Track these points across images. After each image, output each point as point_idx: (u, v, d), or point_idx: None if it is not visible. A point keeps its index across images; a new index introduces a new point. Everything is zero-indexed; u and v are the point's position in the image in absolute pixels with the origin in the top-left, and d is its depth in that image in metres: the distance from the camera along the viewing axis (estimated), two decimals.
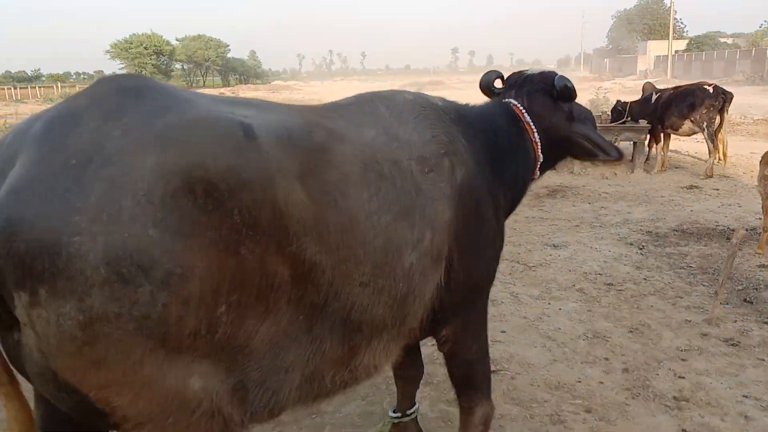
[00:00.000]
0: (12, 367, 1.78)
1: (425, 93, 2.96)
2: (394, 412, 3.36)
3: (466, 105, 3.09)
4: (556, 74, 3.13)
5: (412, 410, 3.35)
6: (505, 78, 3.33)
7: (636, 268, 6.71)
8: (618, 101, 14.39)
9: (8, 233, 1.52)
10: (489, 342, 4.59)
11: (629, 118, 13.24)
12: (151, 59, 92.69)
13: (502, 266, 6.70)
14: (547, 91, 3.10)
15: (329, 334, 2.07)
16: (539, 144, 3.07)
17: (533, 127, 3.05)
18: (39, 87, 71.08)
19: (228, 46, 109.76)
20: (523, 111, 3.07)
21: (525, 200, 10.30)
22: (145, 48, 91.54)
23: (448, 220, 2.46)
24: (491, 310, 5.41)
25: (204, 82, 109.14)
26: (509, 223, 9.01)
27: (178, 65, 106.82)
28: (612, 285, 6.13)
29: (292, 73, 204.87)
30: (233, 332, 1.78)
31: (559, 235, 8.20)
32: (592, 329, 5.02)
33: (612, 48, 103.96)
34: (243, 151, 1.78)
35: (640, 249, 7.46)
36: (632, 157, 13.09)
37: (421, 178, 2.40)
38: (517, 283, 6.23)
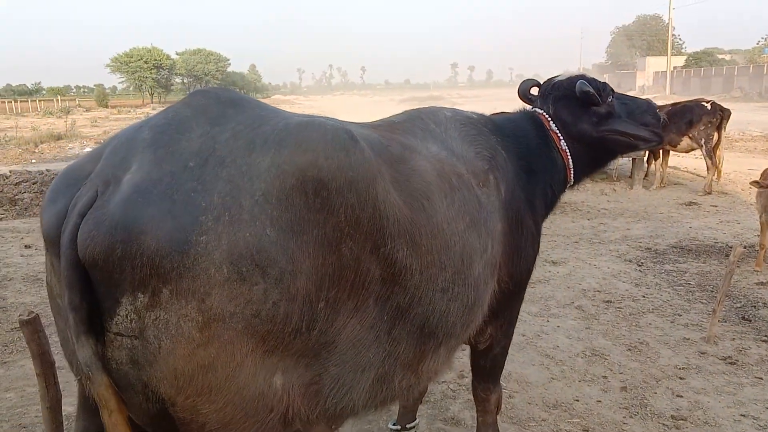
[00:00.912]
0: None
1: (458, 108, 3.07)
2: (394, 425, 3.37)
3: (499, 116, 3.22)
4: (579, 80, 3.14)
5: (412, 425, 3.36)
6: (540, 85, 3.39)
7: (635, 285, 6.71)
8: None
9: (137, 231, 1.55)
10: None
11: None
12: (151, 73, 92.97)
13: None
14: (572, 97, 3.15)
15: (407, 337, 2.13)
16: (567, 152, 3.14)
17: (560, 135, 3.13)
18: (39, 100, 71.26)
19: (228, 60, 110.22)
20: (549, 119, 3.16)
21: None
22: (145, 62, 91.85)
23: (500, 232, 2.64)
24: None
25: None
26: None
27: (178, 79, 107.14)
28: (611, 302, 6.13)
29: (292, 87, 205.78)
30: (326, 328, 1.84)
31: (557, 252, 8.21)
32: (590, 347, 5.01)
33: (611, 63, 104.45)
34: (350, 152, 1.86)
35: (639, 266, 7.46)
36: (631, 173, 13.14)
37: (480, 192, 2.57)
38: None
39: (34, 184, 12.54)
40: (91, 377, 1.65)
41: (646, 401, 4.12)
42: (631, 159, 13.11)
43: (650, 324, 5.53)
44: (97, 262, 1.60)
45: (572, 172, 3.20)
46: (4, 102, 63.52)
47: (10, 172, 14.25)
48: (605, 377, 4.47)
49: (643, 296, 6.30)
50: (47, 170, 13.93)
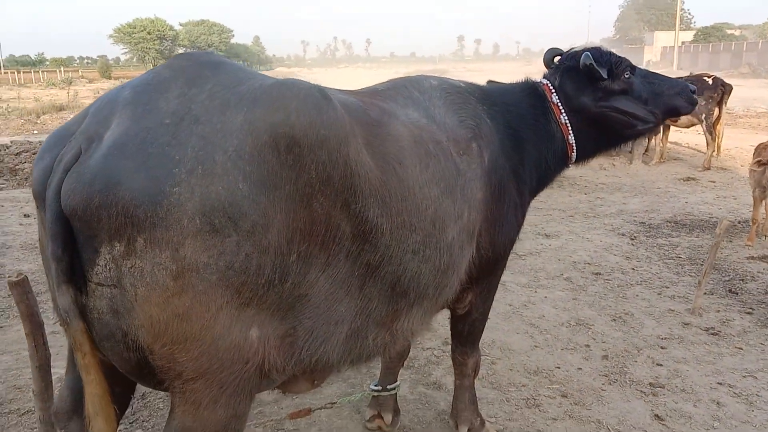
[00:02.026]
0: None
1: (448, 77, 3.06)
2: (375, 385, 3.46)
3: (491, 84, 3.21)
4: (585, 51, 3.05)
5: (393, 386, 3.45)
6: (563, 54, 3.27)
7: (626, 258, 6.77)
8: None
9: (113, 182, 1.64)
10: None
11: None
12: (154, 44, 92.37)
13: None
14: (577, 69, 3.07)
15: (378, 295, 2.21)
16: (568, 126, 3.09)
17: (561, 108, 3.08)
18: (42, 71, 70.95)
19: (232, 31, 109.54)
20: (552, 91, 3.11)
21: None
22: (148, 33, 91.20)
23: (480, 200, 2.67)
24: None
25: None
26: None
27: (181, 50, 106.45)
28: (600, 274, 6.20)
29: (296, 60, 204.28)
30: (299, 281, 1.92)
31: (552, 225, 8.26)
32: (575, 317, 5.09)
33: (619, 38, 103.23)
34: (323, 110, 1.92)
35: (632, 239, 7.51)
36: (631, 148, 13.13)
37: (459, 159, 2.60)
38: (506, 271, 6.26)
39: (34, 154, 12.59)
40: (68, 323, 1.75)
41: (626, 369, 4.21)
42: None
43: (637, 296, 5.60)
44: (77, 213, 1.68)
45: (574, 148, 3.14)
46: (7, 73, 63.28)
47: (11, 142, 14.32)
48: (588, 346, 4.56)
49: (633, 269, 6.37)
50: None
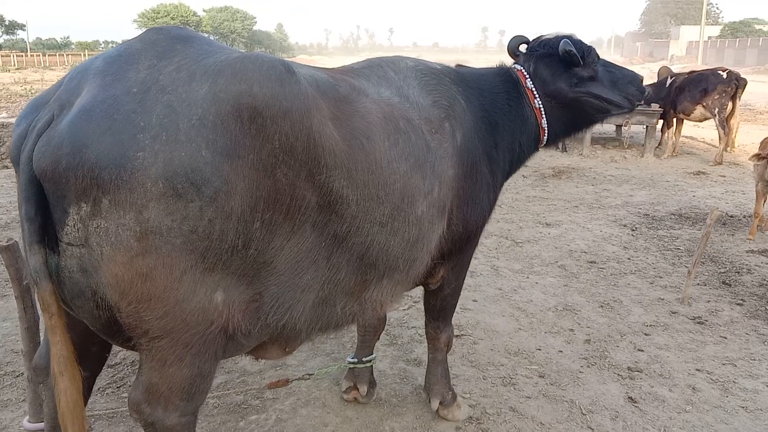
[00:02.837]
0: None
1: (424, 59, 3.17)
2: (352, 358, 3.57)
3: (466, 68, 3.31)
4: (562, 39, 3.21)
5: (368, 358, 3.56)
6: (528, 42, 3.44)
7: (623, 248, 6.79)
8: None
9: (79, 145, 1.72)
10: (458, 310, 4.78)
11: (642, 102, 13.12)
12: None
13: (489, 241, 6.86)
14: (554, 57, 3.22)
15: (346, 265, 2.30)
16: (542, 110, 3.22)
17: (535, 93, 3.21)
18: (68, 54, 71.74)
19: (255, 18, 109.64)
20: (527, 77, 3.23)
21: (528, 180, 10.42)
22: (172, 18, 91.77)
23: (451, 177, 2.76)
24: (468, 281, 5.56)
25: None
26: (506, 201, 9.09)
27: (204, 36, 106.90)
28: (594, 263, 6.23)
29: (318, 48, 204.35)
30: (263, 248, 2.00)
31: (554, 215, 8.29)
32: (563, 302, 5.15)
33: (644, 32, 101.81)
34: (285, 82, 2.00)
35: (633, 230, 7.53)
36: (644, 141, 13.04)
37: (430, 138, 2.69)
38: (501, 258, 6.36)
39: None
40: (38, 283, 1.83)
41: (606, 353, 4.26)
42: (644, 127, 13.01)
43: (629, 284, 5.64)
44: (47, 174, 1.77)
45: (545, 131, 3.28)
46: (34, 56, 64.10)
47: None
48: (571, 330, 4.62)
49: (629, 258, 6.39)
50: None
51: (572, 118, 3.35)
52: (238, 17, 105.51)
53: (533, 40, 3.40)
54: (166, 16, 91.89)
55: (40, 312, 1.97)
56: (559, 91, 3.23)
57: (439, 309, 3.35)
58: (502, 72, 3.31)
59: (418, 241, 2.60)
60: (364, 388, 3.54)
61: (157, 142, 1.76)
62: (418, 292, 5.12)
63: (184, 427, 2.08)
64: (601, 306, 5.10)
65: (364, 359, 3.54)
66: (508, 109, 3.16)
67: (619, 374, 4.00)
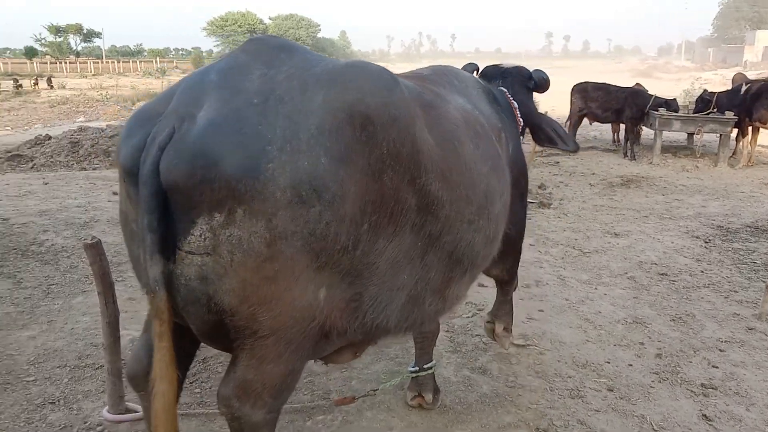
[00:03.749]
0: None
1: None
2: (413, 366, 3.59)
3: (488, 85, 3.60)
4: (534, 69, 3.82)
5: (429, 365, 3.58)
6: (479, 70, 3.96)
7: (696, 260, 6.57)
8: (704, 91, 13.85)
9: (215, 159, 1.79)
10: (524, 319, 4.74)
11: (715, 110, 12.68)
12: (244, 37, 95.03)
13: (555, 251, 6.76)
14: (524, 84, 3.77)
15: (437, 263, 2.38)
16: (522, 124, 3.62)
17: (518, 111, 3.60)
18: (140, 61, 74.53)
19: (319, 26, 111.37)
20: (510, 98, 3.63)
21: (595, 189, 10.23)
22: (239, 26, 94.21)
23: (510, 181, 3.01)
24: (533, 290, 5.51)
25: None
26: (573, 210, 8.96)
27: None
28: (666, 275, 6.05)
29: (380, 54, 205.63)
30: (368, 249, 2.07)
31: (623, 225, 8.09)
32: (633, 315, 5.02)
33: (717, 37, 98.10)
34: (393, 91, 2.11)
35: (706, 242, 7.27)
36: (717, 150, 12.59)
37: (497, 144, 2.91)
38: (568, 267, 6.26)
39: None
40: (156, 292, 1.89)
41: (678, 369, 4.13)
42: (718, 135, 12.55)
43: (702, 298, 5.45)
44: (178, 187, 1.81)
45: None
46: (108, 62, 66.93)
47: (107, 126, 15.28)
48: (642, 344, 4.50)
49: (702, 271, 6.18)
50: None
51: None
52: (303, 25, 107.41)
53: (489, 68, 3.93)
54: (234, 24, 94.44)
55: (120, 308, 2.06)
56: (528, 113, 3.68)
57: (509, 280, 3.91)
58: (498, 90, 3.64)
59: (494, 239, 2.78)
60: (429, 396, 3.54)
61: (284, 153, 1.83)
62: (481, 299, 5.12)
63: (268, 423, 2.16)
64: (673, 320, 4.95)
65: (425, 366, 3.56)
66: (513, 122, 3.52)
67: (692, 391, 3.87)
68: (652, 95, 13.38)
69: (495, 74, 3.79)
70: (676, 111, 12.93)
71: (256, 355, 2.03)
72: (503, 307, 4.08)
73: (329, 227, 1.91)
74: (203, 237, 1.83)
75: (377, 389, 3.55)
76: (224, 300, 1.91)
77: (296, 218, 1.85)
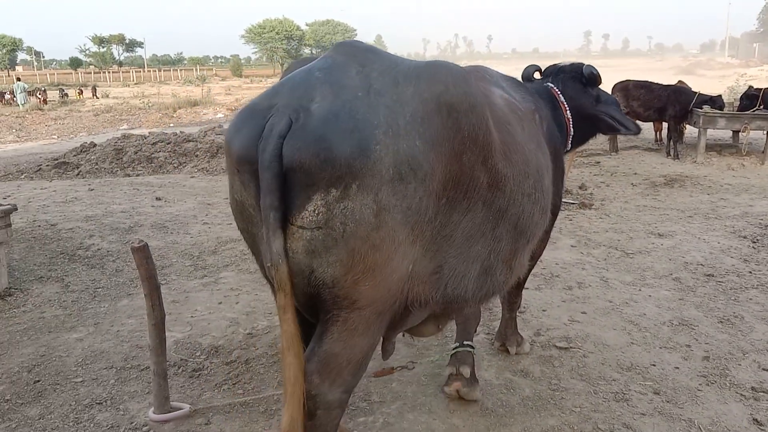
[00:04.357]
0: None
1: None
2: (454, 342, 3.77)
3: (528, 83, 3.95)
4: (584, 64, 4.00)
5: (469, 342, 3.71)
6: (542, 70, 4.18)
7: (743, 261, 6.38)
8: (750, 87, 13.47)
9: (336, 141, 2.03)
10: (566, 322, 4.68)
11: (761, 107, 12.31)
12: (281, 44, 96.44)
13: (597, 252, 6.65)
14: (577, 78, 3.95)
15: (505, 235, 2.61)
16: (570, 120, 3.82)
17: (566, 106, 3.83)
18: (181, 69, 75.98)
19: (355, 30, 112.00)
20: (559, 93, 3.87)
21: (638, 189, 10.09)
22: (277, 33, 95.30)
23: (547, 154, 3.19)
24: (576, 292, 5.43)
25: None
26: (615, 210, 8.85)
27: (306, 50, 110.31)
28: (712, 276, 5.89)
29: (416, 57, 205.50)
30: (445, 221, 2.31)
31: (667, 225, 7.91)
32: (679, 317, 4.90)
33: (763, 32, 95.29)
34: (469, 84, 2.37)
35: (754, 242, 7.06)
36: (764, 148, 12.22)
37: (534, 124, 3.19)
38: (611, 269, 6.14)
39: (168, 144, 13.65)
40: (278, 265, 2.10)
41: (727, 371, 4.01)
42: (765, 133, 12.20)
43: (751, 299, 5.28)
44: (303, 167, 2.04)
45: (570, 138, 3.87)
46: (150, 71, 68.42)
47: (149, 133, 15.58)
48: (689, 346, 4.38)
49: (750, 272, 6.00)
50: (181, 132, 15.08)
51: (585, 131, 3.99)
52: (339, 30, 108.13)
53: (549, 68, 4.12)
54: (271, 30, 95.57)
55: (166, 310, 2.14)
56: (582, 107, 3.88)
57: (523, 277, 3.82)
58: (544, 85, 3.91)
59: (546, 210, 3.03)
60: (467, 371, 3.62)
61: (387, 136, 2.09)
62: (522, 302, 5.06)
63: (341, 404, 2.34)
64: (721, 321, 4.81)
65: (464, 342, 3.67)
66: (554, 114, 3.73)
67: (742, 394, 3.75)
68: (696, 92, 13.08)
69: (550, 72, 4.07)
70: (722, 108, 12.61)
71: (349, 327, 2.22)
72: (510, 325, 4.22)
73: (422, 202, 2.17)
74: (317, 212, 2.06)
75: (416, 362, 3.58)
76: (327, 271, 2.12)
77: (396, 193, 2.09)
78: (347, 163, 2.03)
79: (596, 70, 3.92)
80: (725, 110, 12.68)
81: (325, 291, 2.16)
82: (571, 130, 3.83)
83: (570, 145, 3.92)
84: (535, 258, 3.66)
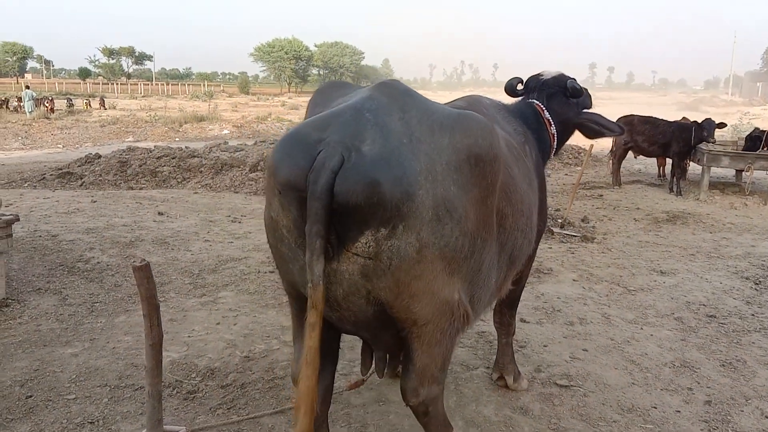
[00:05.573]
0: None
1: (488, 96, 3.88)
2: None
3: (510, 104, 4.12)
4: (568, 78, 4.17)
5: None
6: (524, 81, 4.28)
7: (746, 302, 6.34)
8: (755, 129, 13.51)
9: (388, 186, 2.20)
10: (568, 359, 4.63)
11: (765, 149, 12.35)
12: (290, 63, 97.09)
13: (599, 287, 6.61)
14: (561, 92, 4.13)
15: (504, 265, 2.94)
16: (555, 135, 4.05)
17: (551, 121, 4.03)
18: (188, 84, 76.47)
19: (363, 53, 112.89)
20: (544, 109, 4.05)
21: (640, 224, 10.06)
22: (286, 52, 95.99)
23: (535, 188, 3.48)
24: (577, 328, 5.38)
25: None
26: (617, 245, 8.78)
27: (314, 70, 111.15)
28: (714, 317, 5.84)
29: (422, 83, 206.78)
30: (478, 258, 2.57)
31: (669, 262, 7.87)
32: (681, 358, 4.84)
33: (766, 71, 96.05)
34: (494, 136, 2.59)
35: (756, 284, 7.01)
36: None
37: (525, 159, 3.45)
38: (612, 306, 6.10)
39: (173, 158, 13.68)
40: (316, 286, 2.24)
41: (729, 417, 3.95)
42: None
43: (753, 343, 5.23)
44: (355, 205, 2.19)
45: (553, 150, 4.12)
46: (158, 84, 68.86)
47: (155, 147, 15.62)
48: (690, 389, 4.33)
49: (753, 315, 5.95)
50: (186, 147, 15.13)
51: (568, 137, 4.28)
52: (347, 52, 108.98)
53: (530, 79, 4.24)
54: (280, 50, 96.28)
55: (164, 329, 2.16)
56: (568, 119, 4.13)
57: (513, 300, 4.07)
58: (529, 105, 4.08)
59: (532, 241, 3.40)
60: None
61: (428, 181, 2.29)
62: (523, 335, 5.00)
63: (441, 393, 2.72)
64: (723, 365, 4.76)
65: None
66: (539, 131, 3.96)
67: None
68: (694, 122, 13.13)
69: (533, 86, 4.19)
70: (710, 129, 12.60)
71: (425, 340, 2.52)
72: (507, 352, 4.26)
73: (458, 240, 2.39)
74: (368, 245, 2.25)
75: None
76: (381, 295, 2.36)
77: (435, 232, 2.31)
78: (397, 206, 2.21)
79: (578, 84, 4.11)
80: (729, 149, 12.68)
81: (387, 310, 2.41)
82: (555, 145, 4.06)
83: (552, 156, 4.18)
84: (523, 279, 3.98)
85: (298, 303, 2.64)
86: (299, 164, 2.25)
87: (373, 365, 2.92)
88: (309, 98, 3.28)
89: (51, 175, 12.93)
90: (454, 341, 2.65)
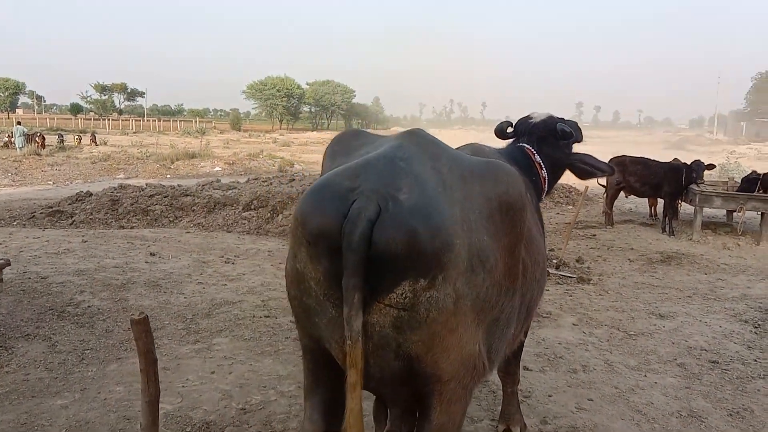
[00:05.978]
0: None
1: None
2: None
3: (501, 148, 4.11)
4: (557, 121, 4.11)
5: None
6: (514, 124, 4.27)
7: (747, 347, 6.27)
8: (753, 172, 13.65)
9: (427, 237, 2.13)
10: (573, 410, 4.53)
11: (761, 191, 12.44)
12: (282, 101, 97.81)
13: (599, 332, 6.52)
14: (552, 135, 4.09)
15: (521, 314, 2.85)
16: (546, 178, 4.02)
17: (542, 165, 4.00)
18: (180, 120, 76.81)
19: (354, 92, 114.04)
20: (534, 153, 4.03)
21: (635, 265, 10.01)
22: (278, 90, 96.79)
23: (542, 235, 3.49)
24: (581, 377, 5.28)
25: (328, 125, 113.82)
26: (613, 287, 8.70)
27: (306, 108, 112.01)
28: (717, 363, 5.77)
29: (412, 120, 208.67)
30: (500, 308, 2.49)
31: (667, 305, 7.82)
32: (687, 407, 4.75)
33: (750, 111, 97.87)
34: (522, 185, 2.61)
35: (756, 327, 6.95)
36: (760, 228, 12.28)
37: (531, 206, 3.34)
38: (614, 351, 6.01)
39: (165, 197, 13.58)
40: (356, 342, 2.11)
41: None
42: (759, 213, 12.29)
43: (758, 390, 5.15)
44: (394, 255, 2.10)
45: (545, 191, 4.08)
46: (150, 121, 69.11)
47: (146, 185, 15.52)
48: None
49: (755, 360, 5.87)
50: (178, 185, 15.05)
51: (558, 178, 4.22)
52: (339, 91, 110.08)
53: (520, 122, 4.21)
54: (272, 88, 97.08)
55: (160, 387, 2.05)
56: (558, 161, 4.10)
57: (520, 347, 3.98)
58: (521, 150, 4.05)
59: (542, 291, 3.34)
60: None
61: (463, 231, 2.24)
62: (527, 384, 4.90)
63: None
64: (730, 414, 4.67)
65: None
66: (531, 175, 3.90)
67: None
68: (684, 164, 13.27)
69: (523, 130, 4.16)
70: (699, 171, 12.73)
71: (445, 398, 2.38)
72: (513, 402, 4.19)
73: (488, 290, 2.34)
74: (404, 296, 2.14)
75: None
76: (412, 348, 2.23)
77: (469, 282, 2.24)
78: (437, 256, 2.14)
79: (568, 127, 4.10)
80: (720, 189, 12.77)
81: (414, 365, 2.28)
82: (546, 187, 4.03)
83: (543, 198, 4.18)
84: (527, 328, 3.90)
85: (315, 357, 2.51)
86: (332, 214, 2.15)
87: (389, 424, 2.82)
88: (303, 131, 3.26)
89: (41, 213, 12.78)
90: (471, 397, 2.55)
